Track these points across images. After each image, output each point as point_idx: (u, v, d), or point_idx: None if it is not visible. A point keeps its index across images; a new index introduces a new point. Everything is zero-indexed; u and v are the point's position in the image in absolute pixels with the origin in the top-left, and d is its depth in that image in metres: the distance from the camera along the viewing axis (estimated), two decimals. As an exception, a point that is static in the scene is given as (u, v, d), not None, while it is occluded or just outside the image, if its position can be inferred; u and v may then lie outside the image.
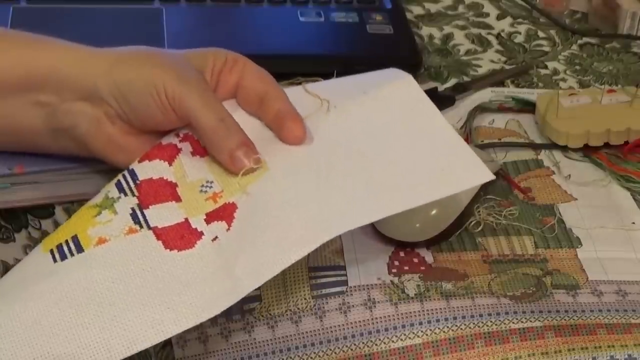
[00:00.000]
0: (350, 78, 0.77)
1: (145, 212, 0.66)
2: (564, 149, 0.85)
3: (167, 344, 0.67)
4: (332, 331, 0.67)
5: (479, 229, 0.76)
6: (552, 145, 0.85)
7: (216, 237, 0.64)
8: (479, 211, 0.77)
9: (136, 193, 0.67)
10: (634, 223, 0.78)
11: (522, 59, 0.99)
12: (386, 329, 0.67)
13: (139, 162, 0.69)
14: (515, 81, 0.96)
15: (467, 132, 0.87)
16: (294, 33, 0.96)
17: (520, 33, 1.03)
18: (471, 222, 0.76)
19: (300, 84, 0.77)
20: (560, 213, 0.78)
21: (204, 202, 0.67)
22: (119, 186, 0.67)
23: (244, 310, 0.68)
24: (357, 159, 0.68)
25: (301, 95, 0.72)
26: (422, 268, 0.72)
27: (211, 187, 0.68)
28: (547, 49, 1.01)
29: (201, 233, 0.65)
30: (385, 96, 0.72)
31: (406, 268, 0.71)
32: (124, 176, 0.68)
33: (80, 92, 0.70)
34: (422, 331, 0.67)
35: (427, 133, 0.70)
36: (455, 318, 0.68)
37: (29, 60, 0.70)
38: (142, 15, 0.96)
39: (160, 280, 0.62)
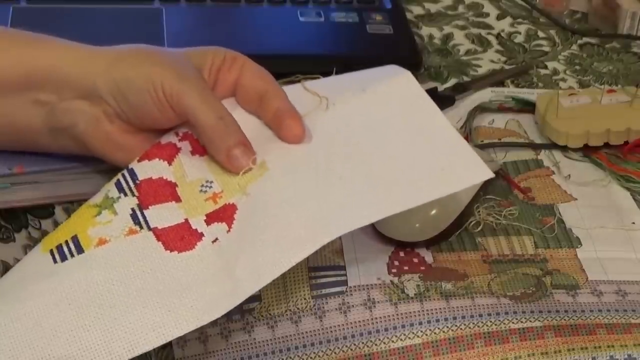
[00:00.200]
0: (349, 75, 0.77)
1: (145, 212, 0.66)
2: (564, 149, 0.85)
3: (167, 344, 0.66)
4: (332, 331, 0.67)
5: (479, 229, 0.76)
6: (552, 145, 0.85)
7: (216, 239, 0.64)
8: (479, 211, 0.77)
9: (136, 193, 0.67)
10: (634, 223, 0.78)
11: (522, 59, 0.99)
12: (386, 329, 0.67)
13: (139, 161, 0.69)
14: (515, 81, 0.96)
15: (467, 132, 0.87)
16: (294, 33, 0.96)
17: (520, 33, 1.03)
18: (471, 222, 0.76)
19: (299, 81, 0.77)
20: (560, 213, 0.78)
21: (204, 203, 0.66)
22: (119, 186, 0.67)
23: (244, 310, 0.68)
24: (356, 157, 0.68)
25: (300, 93, 0.72)
26: (422, 268, 0.72)
27: (211, 187, 0.67)
28: (547, 49, 1.01)
29: (201, 234, 0.65)
30: (384, 93, 0.72)
31: (406, 268, 0.71)
32: (123, 176, 0.68)
33: (79, 91, 0.70)
34: (421, 331, 0.67)
35: (427, 130, 0.70)
36: (455, 318, 0.68)
37: (29, 59, 0.70)
38: (142, 15, 0.96)
39: (160, 282, 0.62)
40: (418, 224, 0.73)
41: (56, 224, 0.74)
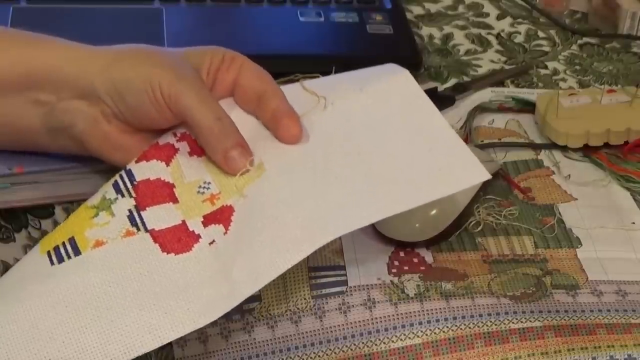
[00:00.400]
0: (348, 74, 0.76)
1: (143, 214, 0.65)
2: (564, 149, 0.85)
3: (166, 344, 0.66)
4: (332, 331, 0.67)
5: (479, 229, 0.76)
6: (552, 145, 0.85)
7: (213, 241, 0.64)
8: (479, 211, 0.77)
9: (133, 194, 0.66)
10: (634, 223, 0.78)
11: (522, 59, 0.99)
12: (386, 329, 0.67)
13: (136, 162, 0.68)
14: (515, 81, 0.96)
15: (467, 132, 0.87)
16: (294, 33, 0.96)
17: (520, 33, 1.03)
18: (471, 222, 0.76)
19: (298, 80, 0.76)
20: (560, 213, 0.78)
21: (202, 204, 0.66)
22: (116, 187, 0.67)
23: (244, 310, 0.68)
24: (354, 157, 0.67)
25: (298, 93, 0.72)
26: (422, 268, 0.72)
27: (209, 188, 0.67)
28: (547, 49, 1.01)
29: (198, 236, 0.65)
30: (383, 92, 0.72)
31: (406, 268, 0.71)
32: (121, 176, 0.68)
33: (78, 91, 0.70)
34: (421, 331, 0.67)
35: (425, 130, 0.69)
36: (455, 318, 0.68)
37: (29, 59, 0.70)
38: (142, 15, 0.96)
39: (157, 285, 0.62)
40: (418, 224, 0.73)
41: (56, 224, 0.74)
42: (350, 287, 0.69)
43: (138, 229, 0.65)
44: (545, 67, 0.98)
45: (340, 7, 1.00)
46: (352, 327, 0.67)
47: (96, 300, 0.61)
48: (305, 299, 0.68)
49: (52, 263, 0.63)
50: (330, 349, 0.67)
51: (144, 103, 0.68)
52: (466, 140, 0.86)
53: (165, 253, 0.64)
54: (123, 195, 0.66)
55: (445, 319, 0.67)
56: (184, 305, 0.61)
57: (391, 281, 0.70)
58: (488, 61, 0.98)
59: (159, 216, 0.65)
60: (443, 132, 0.69)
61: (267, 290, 0.68)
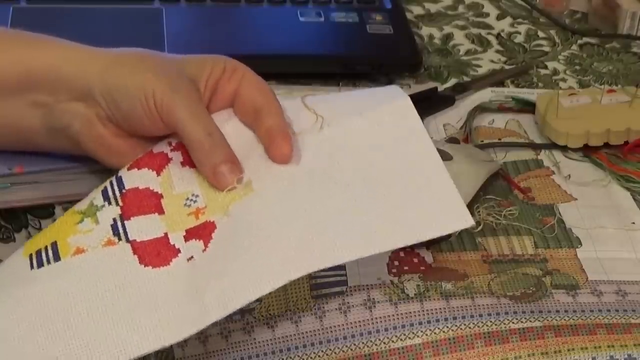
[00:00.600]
0: (350, 94, 0.76)
1: (126, 223, 0.65)
2: (564, 149, 0.85)
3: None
4: (331, 331, 0.67)
5: (479, 229, 0.76)
6: (552, 145, 0.85)
7: (192, 257, 0.64)
8: (479, 211, 0.77)
9: (120, 203, 0.66)
10: (634, 223, 0.78)
11: (522, 59, 0.99)
12: (386, 329, 0.67)
13: (128, 169, 0.68)
14: (515, 81, 0.96)
15: (467, 132, 0.87)
16: (294, 33, 0.96)
17: (520, 33, 1.03)
18: (471, 222, 0.76)
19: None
20: (560, 213, 0.78)
21: (186, 217, 0.66)
22: (105, 194, 0.67)
23: (244, 310, 0.67)
24: (342, 189, 0.66)
25: (298, 109, 0.71)
26: (422, 268, 0.72)
27: (196, 201, 0.67)
28: (547, 49, 1.01)
29: (178, 250, 0.64)
30: (382, 120, 0.71)
31: (406, 268, 0.71)
32: (111, 183, 0.67)
33: (76, 92, 0.69)
34: (421, 331, 0.67)
35: (418, 167, 0.68)
36: (455, 318, 0.68)
37: (28, 59, 0.70)
38: (142, 15, 0.96)
39: (129, 299, 0.61)
40: (418, 224, 0.73)
41: (56, 224, 0.74)
42: (350, 287, 0.69)
43: (119, 239, 0.64)
44: (545, 67, 0.98)
45: (340, 7, 1.00)
46: (352, 327, 0.67)
47: (67, 309, 0.61)
48: (305, 299, 0.68)
49: (31, 267, 0.63)
50: (330, 349, 0.67)
51: (137, 110, 0.68)
52: (466, 140, 0.86)
53: (143, 266, 0.63)
54: (110, 203, 0.66)
55: (445, 319, 0.67)
56: (153, 323, 0.60)
57: (391, 281, 0.70)
58: (488, 61, 0.98)
59: (142, 227, 0.65)
60: (436, 171, 0.68)
61: (267, 290, 0.68)
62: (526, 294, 0.70)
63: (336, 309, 0.68)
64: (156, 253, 0.64)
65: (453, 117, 0.89)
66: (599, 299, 0.70)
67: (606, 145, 0.85)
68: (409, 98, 0.72)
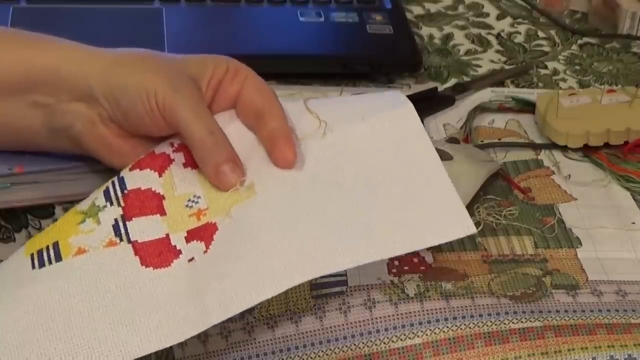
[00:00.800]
0: (353, 98, 0.76)
1: (128, 224, 0.65)
2: (564, 149, 0.85)
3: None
4: (332, 331, 0.67)
5: (479, 229, 0.76)
6: (552, 145, 0.85)
7: (193, 258, 0.64)
8: (479, 211, 0.77)
9: (122, 203, 0.66)
10: (634, 223, 0.78)
11: (522, 59, 0.99)
12: (386, 329, 0.67)
13: (130, 170, 0.68)
14: (515, 81, 0.96)
15: (467, 132, 0.87)
16: (294, 33, 0.96)
17: (520, 33, 1.03)
18: (471, 222, 0.76)
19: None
20: (560, 213, 0.78)
21: (188, 219, 0.66)
22: (107, 194, 0.67)
23: (244, 310, 0.67)
24: (345, 194, 0.66)
25: (300, 112, 0.71)
26: (422, 268, 0.72)
27: (197, 202, 0.67)
28: (547, 49, 1.01)
29: (179, 252, 0.64)
30: (384, 126, 0.71)
31: (406, 268, 0.71)
32: (113, 184, 0.67)
33: (77, 92, 0.69)
34: (422, 331, 0.67)
35: (420, 174, 0.68)
36: (455, 318, 0.68)
37: (28, 59, 0.70)
38: (142, 15, 0.96)
39: (130, 300, 0.61)
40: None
41: (56, 224, 0.74)
42: (350, 287, 0.69)
43: (121, 239, 0.64)
44: (545, 67, 0.98)
45: (340, 7, 1.00)
46: (352, 327, 0.67)
47: (69, 310, 0.61)
48: (305, 299, 0.68)
49: (33, 267, 0.63)
50: (330, 349, 0.67)
51: (139, 110, 0.68)
52: (466, 140, 0.86)
53: (144, 267, 0.63)
54: (112, 204, 0.66)
55: (445, 319, 0.67)
56: (154, 323, 0.60)
57: (391, 281, 0.70)
58: (488, 61, 0.98)
59: (144, 228, 0.65)
60: (438, 179, 0.68)
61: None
62: (526, 294, 0.70)
63: (336, 309, 0.68)
64: (157, 254, 0.64)
65: (453, 117, 0.89)
66: (599, 299, 0.70)
67: (606, 145, 0.85)
68: (411, 104, 0.72)
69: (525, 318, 0.68)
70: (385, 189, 0.67)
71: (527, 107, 0.90)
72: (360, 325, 0.67)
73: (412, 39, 0.97)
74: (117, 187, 0.67)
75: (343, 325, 0.67)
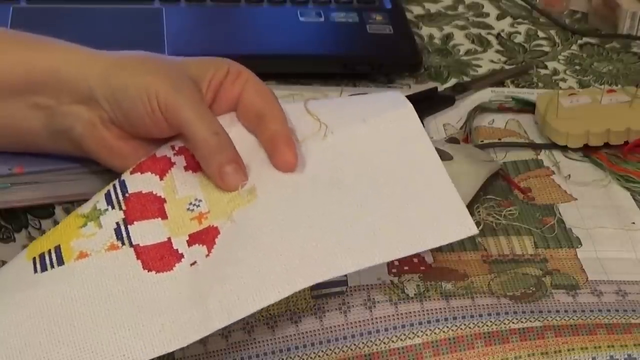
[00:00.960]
0: (353, 99, 0.76)
1: (130, 227, 0.65)
2: (564, 149, 0.85)
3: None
4: (332, 331, 0.67)
5: (479, 229, 0.76)
6: (552, 145, 0.85)
7: (195, 262, 0.64)
8: (479, 211, 0.77)
9: (123, 207, 0.66)
10: (634, 223, 0.78)
11: (522, 59, 0.99)
12: (386, 329, 0.67)
13: (131, 173, 0.68)
14: (515, 81, 0.96)
15: (467, 132, 0.87)
16: (294, 33, 0.96)
17: (520, 33, 1.03)
18: (471, 222, 0.76)
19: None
20: (560, 213, 0.78)
21: (189, 222, 0.66)
22: (108, 198, 0.67)
23: (244, 311, 0.67)
24: (346, 197, 0.66)
25: (301, 114, 0.71)
26: (422, 268, 0.72)
27: (199, 205, 0.67)
28: (547, 49, 1.01)
29: (181, 255, 0.64)
30: (385, 127, 0.71)
31: (406, 268, 0.71)
32: (114, 187, 0.67)
33: (77, 95, 0.69)
34: (422, 331, 0.67)
35: (421, 176, 0.68)
36: (455, 318, 0.68)
37: (29, 61, 0.70)
38: (142, 15, 0.96)
39: (133, 304, 0.61)
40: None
41: (56, 224, 0.74)
42: (350, 287, 0.69)
43: (123, 243, 0.64)
44: (545, 67, 0.98)
45: (340, 7, 1.00)
46: (352, 327, 0.67)
47: (72, 314, 0.61)
48: (305, 299, 0.68)
49: (35, 271, 0.63)
50: (330, 349, 0.67)
51: (140, 112, 0.68)
52: (466, 140, 0.86)
53: (146, 271, 0.63)
54: (113, 207, 0.66)
55: (445, 319, 0.67)
56: (157, 328, 0.60)
57: (391, 281, 0.70)
58: (488, 61, 0.98)
59: (146, 231, 0.65)
60: (440, 181, 0.68)
61: (267, 291, 0.68)
62: (526, 294, 0.70)
63: (336, 309, 0.68)
64: (159, 258, 0.64)
65: (453, 117, 0.89)
66: (599, 299, 0.70)
67: (606, 145, 0.85)
68: (410, 104, 0.72)
69: (525, 318, 0.68)
70: (386, 190, 0.67)
71: (527, 107, 0.90)
72: (360, 325, 0.67)
73: (412, 39, 0.97)
74: (119, 191, 0.67)
75: (343, 325, 0.67)
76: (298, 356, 0.67)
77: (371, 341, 0.67)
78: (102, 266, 0.63)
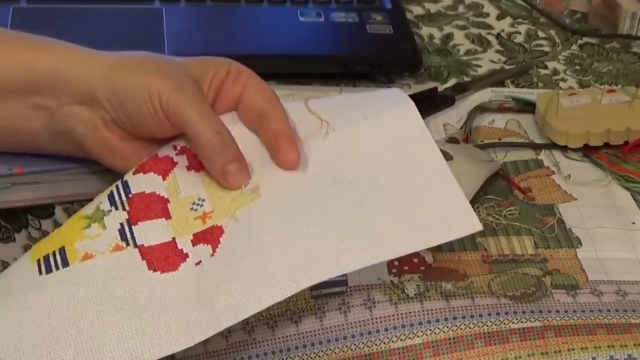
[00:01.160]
0: (354, 96, 0.76)
1: (134, 228, 0.65)
2: (564, 149, 0.85)
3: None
4: (332, 331, 0.67)
5: (479, 228, 0.76)
6: (552, 145, 0.85)
7: (200, 262, 0.64)
8: (479, 211, 0.77)
9: (127, 207, 0.66)
10: (634, 223, 0.78)
11: (522, 59, 0.99)
12: (386, 329, 0.67)
13: (134, 173, 0.68)
14: (515, 81, 0.96)
15: (467, 132, 0.87)
16: (294, 33, 0.96)
17: (520, 33, 1.03)
18: (471, 222, 0.76)
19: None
20: (560, 213, 0.78)
21: (193, 222, 0.66)
22: (111, 198, 0.67)
23: (244, 311, 0.67)
24: (349, 195, 0.67)
25: (302, 113, 0.71)
26: (422, 268, 0.72)
27: (202, 205, 0.67)
28: (547, 49, 1.01)
29: (186, 255, 0.64)
30: (386, 125, 0.71)
31: (406, 268, 0.71)
32: (117, 187, 0.67)
33: (78, 96, 0.69)
34: (422, 331, 0.67)
35: (423, 173, 0.68)
36: (455, 318, 0.68)
37: (29, 61, 0.70)
38: (142, 15, 0.96)
39: (139, 304, 0.61)
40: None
41: (56, 224, 0.74)
42: (350, 287, 0.69)
43: (127, 244, 0.64)
44: (545, 67, 0.98)
45: (340, 7, 1.00)
46: (352, 327, 0.67)
47: (78, 316, 0.61)
48: (305, 299, 0.68)
49: (40, 273, 0.63)
50: (330, 349, 0.67)
51: (142, 112, 0.67)
52: (466, 140, 0.86)
53: (152, 271, 0.63)
54: (117, 208, 0.66)
55: (445, 319, 0.67)
56: (163, 328, 0.61)
57: (391, 281, 0.70)
58: (488, 61, 0.98)
59: (150, 232, 0.65)
60: (443, 177, 0.68)
61: (267, 291, 0.68)
62: (526, 294, 0.70)
63: (336, 309, 0.68)
64: (164, 258, 0.64)
65: (453, 117, 0.89)
66: (599, 299, 0.70)
67: (606, 145, 0.85)
68: (412, 102, 0.72)
69: (525, 318, 0.68)
70: (389, 188, 0.67)
71: (527, 107, 0.90)
72: (360, 325, 0.67)
73: (412, 39, 0.97)
74: (122, 191, 0.67)
75: (343, 325, 0.67)
76: (298, 356, 0.67)
77: (371, 341, 0.67)
78: (107, 267, 0.63)
